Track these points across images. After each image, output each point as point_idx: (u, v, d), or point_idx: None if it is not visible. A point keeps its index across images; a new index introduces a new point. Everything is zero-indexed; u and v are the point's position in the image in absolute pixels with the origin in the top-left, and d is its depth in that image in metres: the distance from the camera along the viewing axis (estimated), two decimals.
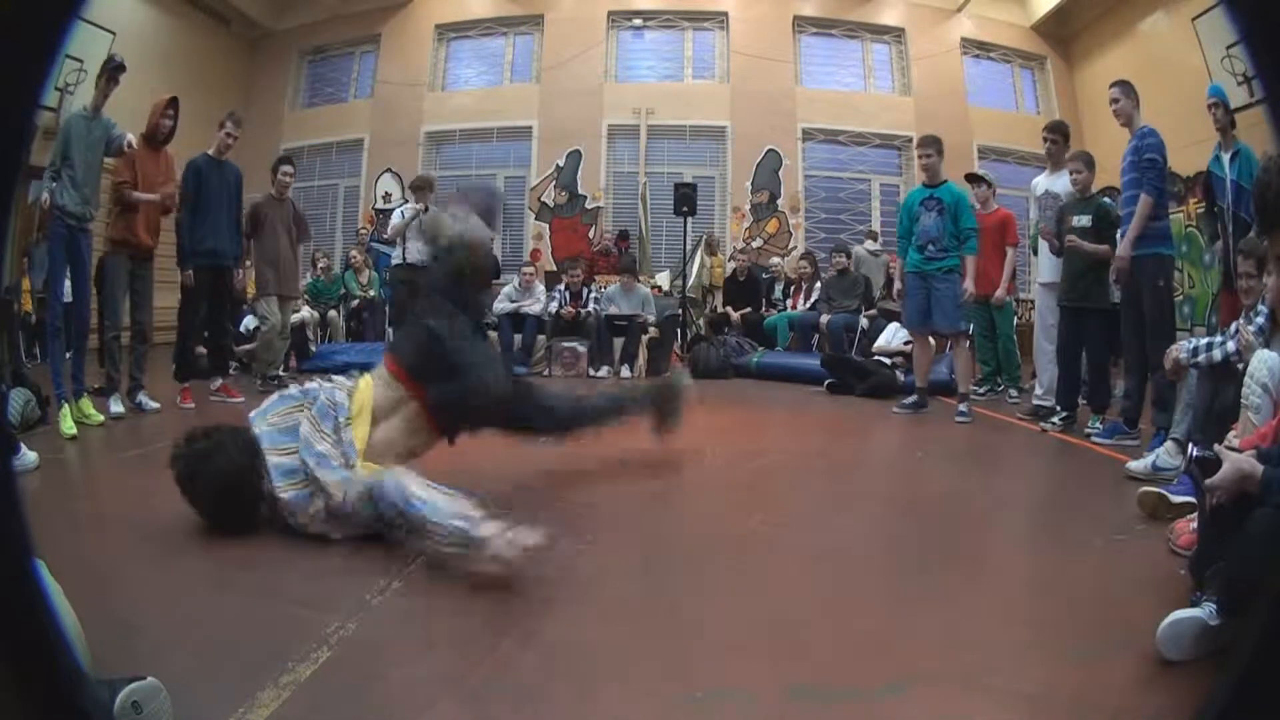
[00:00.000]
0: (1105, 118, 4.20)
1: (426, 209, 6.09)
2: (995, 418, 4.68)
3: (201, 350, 4.90)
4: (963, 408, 4.53)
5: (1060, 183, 4.52)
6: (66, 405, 3.50)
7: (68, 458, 3.17)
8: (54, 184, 3.61)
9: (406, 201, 6.46)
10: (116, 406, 3.88)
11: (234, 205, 4.74)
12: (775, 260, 9.01)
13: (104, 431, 3.63)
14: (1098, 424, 3.91)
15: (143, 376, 4.27)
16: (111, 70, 3.73)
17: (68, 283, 3.87)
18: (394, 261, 6.38)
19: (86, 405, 3.73)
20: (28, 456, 2.76)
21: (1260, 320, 2.56)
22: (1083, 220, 4.05)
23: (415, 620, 1.63)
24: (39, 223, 7.58)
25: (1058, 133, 4.65)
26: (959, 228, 4.59)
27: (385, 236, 7.20)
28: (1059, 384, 4.27)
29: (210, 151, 4.62)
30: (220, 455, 2.13)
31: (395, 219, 6.31)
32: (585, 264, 7.50)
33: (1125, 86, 3.80)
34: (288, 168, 5.34)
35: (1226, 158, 3.82)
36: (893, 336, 6.10)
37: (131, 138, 3.98)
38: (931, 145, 4.68)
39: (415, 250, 6.09)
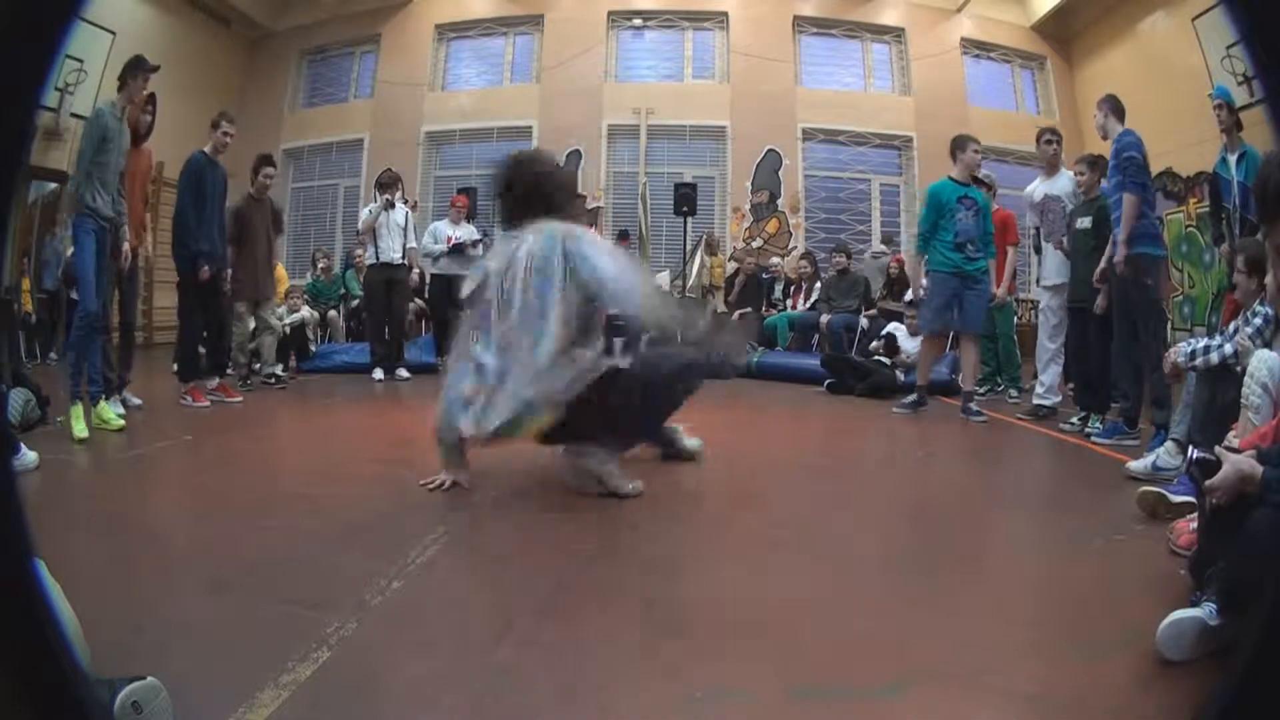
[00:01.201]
0: None
1: (392, 204, 6.04)
2: (995, 418, 4.67)
3: (200, 350, 4.91)
4: (975, 406, 4.56)
5: (1060, 185, 4.52)
6: (79, 405, 3.44)
7: (68, 458, 3.17)
8: (82, 183, 3.51)
9: (375, 199, 6.26)
10: (116, 408, 3.88)
11: (221, 207, 4.74)
12: (775, 260, 9.01)
13: (105, 432, 3.62)
14: (1098, 424, 3.91)
15: (128, 374, 4.28)
16: (148, 71, 3.70)
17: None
18: (368, 261, 6.16)
19: (106, 410, 3.67)
20: (28, 456, 2.75)
21: (1259, 321, 2.56)
22: (1084, 222, 4.06)
23: (415, 620, 1.63)
24: (39, 222, 7.62)
25: (1057, 135, 4.64)
26: (986, 229, 4.59)
27: (358, 234, 6.96)
28: (1076, 385, 4.28)
29: (207, 150, 4.62)
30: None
31: (364, 215, 6.17)
32: None
33: (1102, 102, 3.83)
34: (270, 169, 5.28)
35: (1233, 159, 3.82)
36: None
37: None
38: (979, 142, 4.67)
39: (387, 249, 6.01)
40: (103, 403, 3.71)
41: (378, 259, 6.04)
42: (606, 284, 2.42)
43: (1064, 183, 4.52)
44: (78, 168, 3.54)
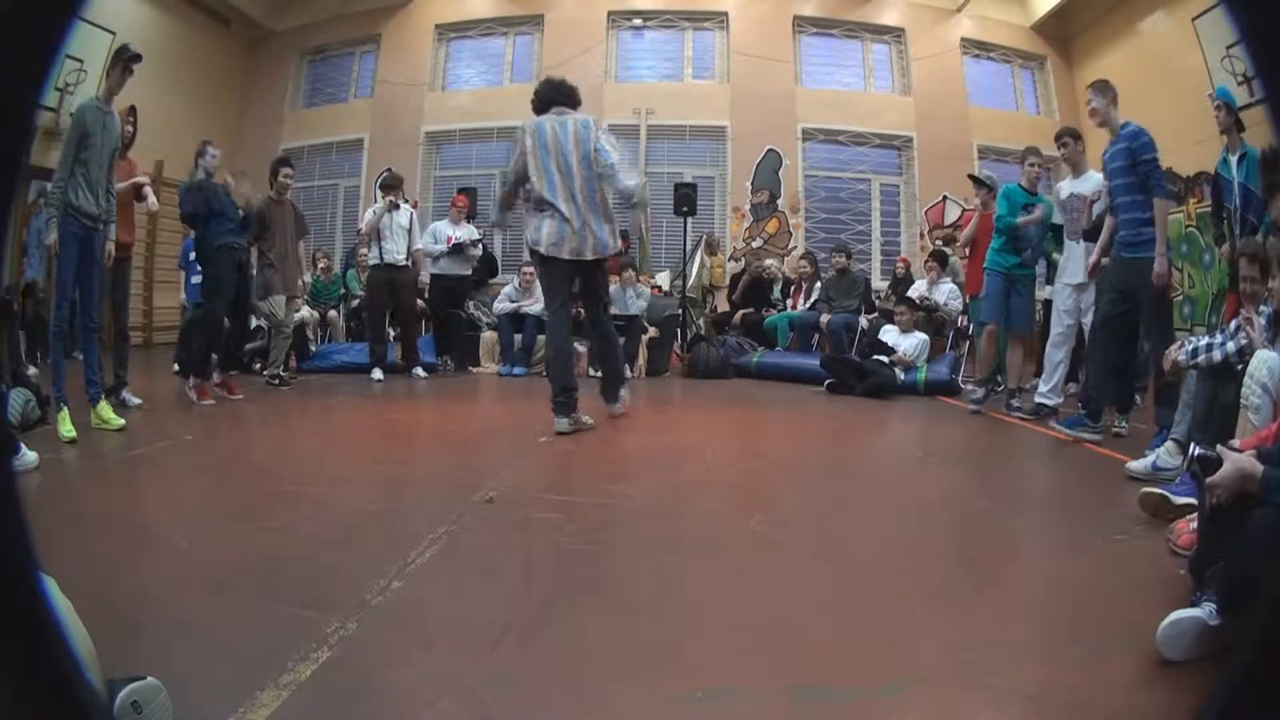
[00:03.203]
0: None
1: (396, 205, 6.08)
2: (995, 417, 4.68)
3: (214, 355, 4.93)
4: (1016, 403, 4.74)
5: (1086, 185, 4.45)
6: (65, 409, 3.45)
7: (68, 458, 3.17)
8: (65, 181, 3.46)
9: (376, 200, 6.39)
10: (111, 399, 3.89)
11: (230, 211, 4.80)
12: (770, 262, 8.99)
13: (105, 432, 3.61)
14: (1124, 422, 3.98)
15: (125, 374, 4.31)
16: (127, 60, 3.66)
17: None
18: (371, 261, 6.29)
19: (105, 410, 3.66)
20: (28, 456, 2.75)
21: (1261, 321, 2.55)
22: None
23: (415, 620, 1.63)
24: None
25: (1070, 136, 4.59)
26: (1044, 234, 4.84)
27: (360, 235, 7.04)
28: (1088, 384, 4.29)
29: (200, 176, 4.63)
30: None
31: (368, 217, 6.24)
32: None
33: (1100, 85, 3.77)
34: (288, 169, 5.42)
35: (1234, 160, 3.81)
36: (917, 344, 5.96)
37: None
38: (1040, 154, 4.89)
39: (391, 250, 6.07)
40: (101, 403, 3.70)
41: (381, 259, 6.09)
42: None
43: (1090, 183, 4.43)
44: (60, 166, 3.49)
